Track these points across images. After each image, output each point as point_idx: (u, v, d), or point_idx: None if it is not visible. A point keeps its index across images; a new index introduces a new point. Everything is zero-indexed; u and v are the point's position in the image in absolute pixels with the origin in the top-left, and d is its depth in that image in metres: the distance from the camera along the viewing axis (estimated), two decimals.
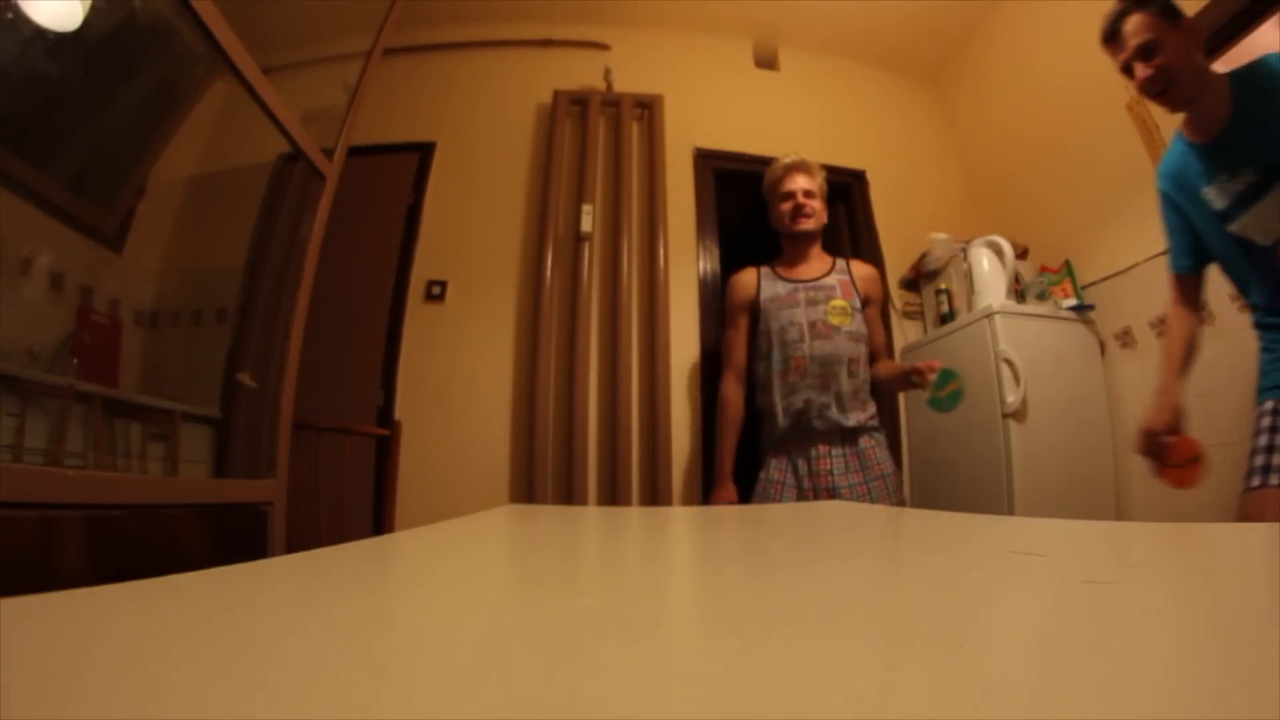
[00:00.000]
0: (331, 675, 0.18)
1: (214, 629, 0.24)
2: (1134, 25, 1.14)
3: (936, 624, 0.25)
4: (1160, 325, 2.08)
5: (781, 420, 1.53)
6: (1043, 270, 2.47)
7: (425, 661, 0.20)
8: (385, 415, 2.37)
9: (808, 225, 1.59)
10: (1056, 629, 0.25)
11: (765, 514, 0.91)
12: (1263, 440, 1.16)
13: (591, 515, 1.05)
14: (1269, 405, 1.20)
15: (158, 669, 0.19)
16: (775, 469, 1.53)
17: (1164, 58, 1.12)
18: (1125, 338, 2.22)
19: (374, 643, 0.23)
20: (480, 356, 2.49)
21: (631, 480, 2.36)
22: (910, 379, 1.42)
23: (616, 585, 0.40)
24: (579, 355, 2.43)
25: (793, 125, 2.98)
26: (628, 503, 2.32)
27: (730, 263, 2.98)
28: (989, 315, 2.16)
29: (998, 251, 2.31)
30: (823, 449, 1.49)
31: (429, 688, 0.17)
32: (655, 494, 2.33)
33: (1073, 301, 2.31)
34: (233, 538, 1.28)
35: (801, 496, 1.47)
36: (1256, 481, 1.14)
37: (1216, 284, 1.90)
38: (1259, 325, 1.30)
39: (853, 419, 1.50)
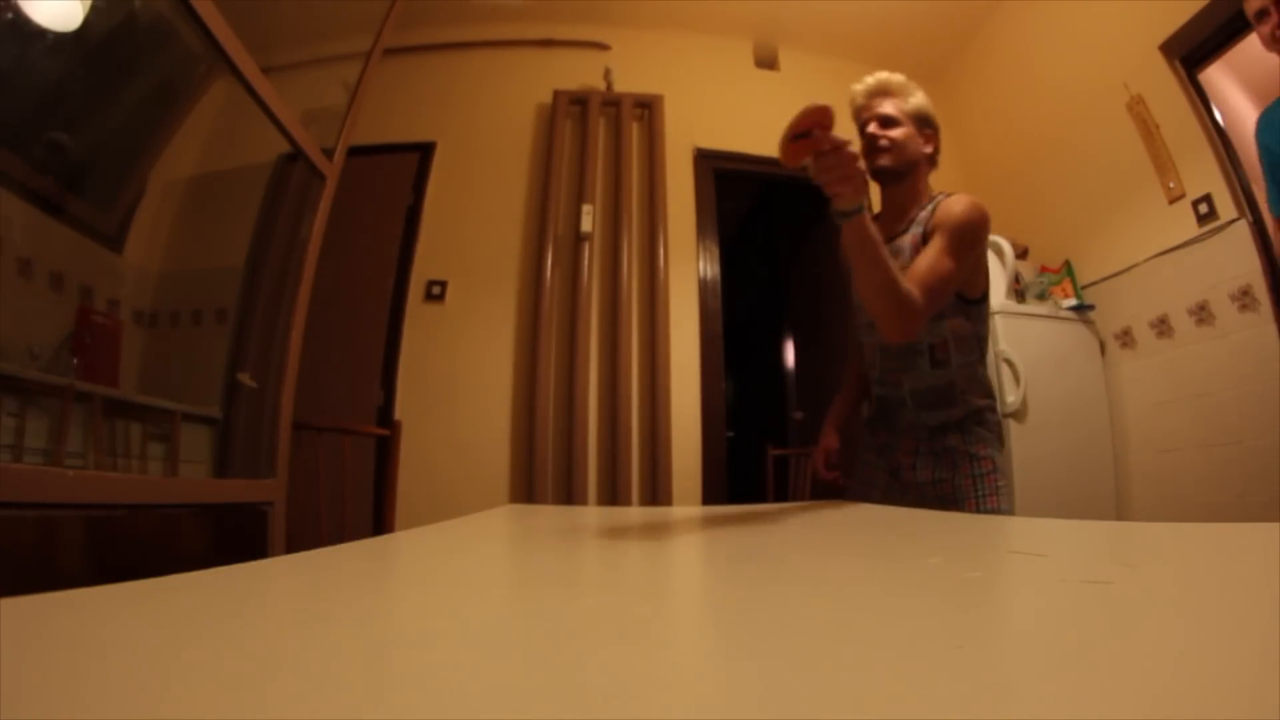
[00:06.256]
0: (332, 675, 0.18)
1: (214, 629, 0.24)
2: None
3: (936, 624, 0.25)
4: (1161, 325, 2.09)
5: (871, 406, 1.35)
6: (1043, 270, 2.48)
7: (425, 661, 0.20)
8: (385, 415, 2.37)
9: (883, 162, 1.20)
10: (1056, 629, 0.25)
11: (767, 514, 0.91)
12: None
13: (591, 515, 1.05)
14: None
15: (158, 669, 0.19)
16: (868, 449, 1.34)
17: None
18: (1125, 338, 2.22)
19: (374, 642, 0.23)
20: (480, 356, 2.49)
21: (631, 480, 2.35)
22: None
23: (616, 585, 0.40)
24: (579, 355, 2.43)
25: None
26: (628, 503, 2.32)
27: (730, 262, 3.00)
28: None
29: (998, 251, 2.31)
30: (905, 444, 1.25)
31: (429, 687, 0.17)
32: (655, 494, 2.33)
33: (1073, 301, 2.31)
34: (233, 538, 1.28)
35: (888, 482, 1.28)
36: None
37: (1216, 285, 1.92)
38: None
39: (936, 418, 1.21)
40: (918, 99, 1.24)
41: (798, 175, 1.65)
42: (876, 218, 1.26)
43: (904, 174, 1.22)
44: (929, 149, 1.23)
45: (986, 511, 1.14)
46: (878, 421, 1.32)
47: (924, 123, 1.24)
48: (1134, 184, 2.18)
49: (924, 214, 1.18)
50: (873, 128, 1.21)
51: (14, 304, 1.20)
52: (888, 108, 1.22)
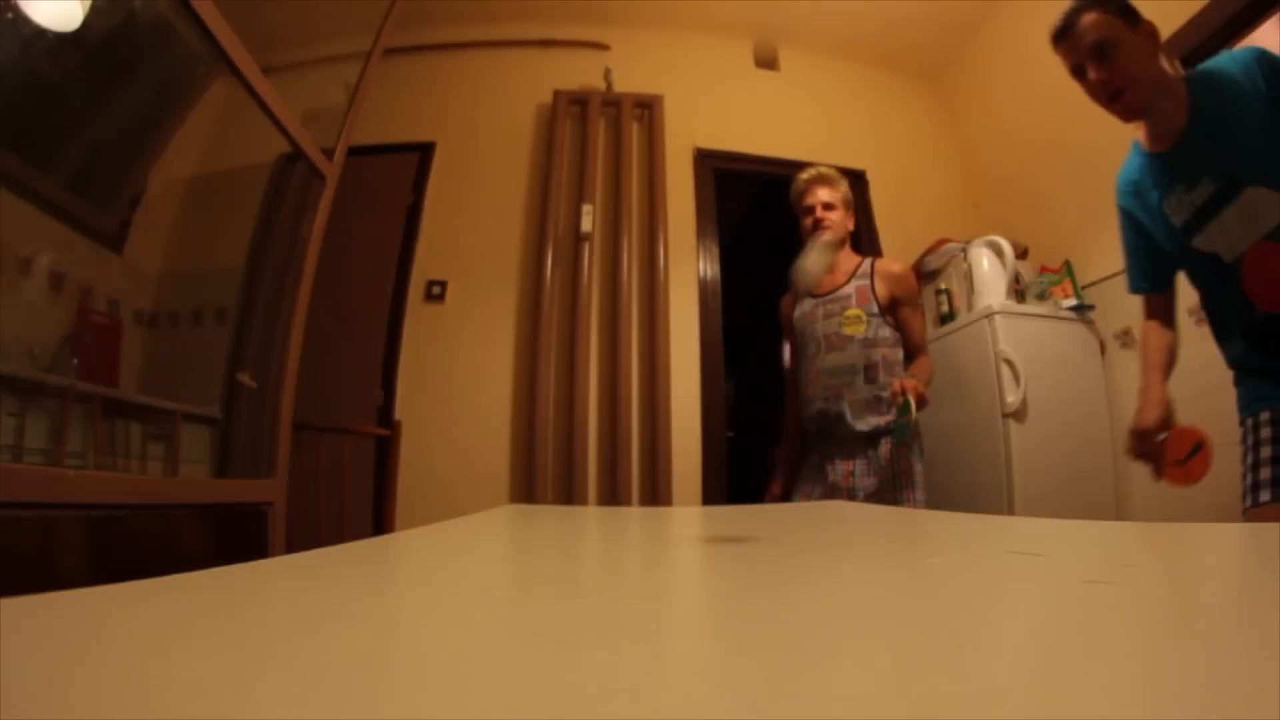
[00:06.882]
0: (332, 675, 0.18)
1: (214, 629, 0.24)
2: (1089, 23, 1.05)
3: (936, 624, 0.25)
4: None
5: (808, 427, 1.68)
6: (1043, 270, 2.47)
7: (425, 662, 0.20)
8: (385, 415, 2.37)
9: (826, 239, 1.64)
10: (1057, 629, 0.25)
11: (765, 514, 0.91)
12: (1265, 452, 1.07)
13: (591, 515, 1.05)
14: (1251, 421, 1.11)
15: (158, 669, 0.19)
16: (807, 466, 1.67)
17: (1121, 59, 1.05)
18: (1125, 338, 2.22)
19: (374, 643, 0.23)
20: (480, 356, 2.49)
21: (631, 480, 2.35)
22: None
23: (616, 585, 0.40)
24: (579, 355, 2.43)
25: (793, 125, 2.98)
26: (628, 503, 2.32)
27: (730, 262, 3.00)
28: (989, 315, 2.16)
29: (998, 251, 2.31)
30: (844, 452, 1.57)
31: (429, 688, 0.17)
32: (655, 494, 2.33)
33: (1073, 301, 2.30)
34: (233, 538, 1.28)
35: (826, 494, 1.57)
36: (1265, 497, 1.04)
37: None
38: (1235, 364, 1.20)
39: (868, 424, 1.54)
40: (844, 186, 1.71)
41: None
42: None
43: (841, 242, 1.68)
44: (851, 225, 1.72)
45: (904, 503, 1.51)
46: (817, 437, 1.66)
47: (848, 205, 1.71)
48: None
49: (861, 269, 1.66)
50: (819, 212, 1.66)
51: (14, 304, 1.20)
52: (825, 195, 1.66)
